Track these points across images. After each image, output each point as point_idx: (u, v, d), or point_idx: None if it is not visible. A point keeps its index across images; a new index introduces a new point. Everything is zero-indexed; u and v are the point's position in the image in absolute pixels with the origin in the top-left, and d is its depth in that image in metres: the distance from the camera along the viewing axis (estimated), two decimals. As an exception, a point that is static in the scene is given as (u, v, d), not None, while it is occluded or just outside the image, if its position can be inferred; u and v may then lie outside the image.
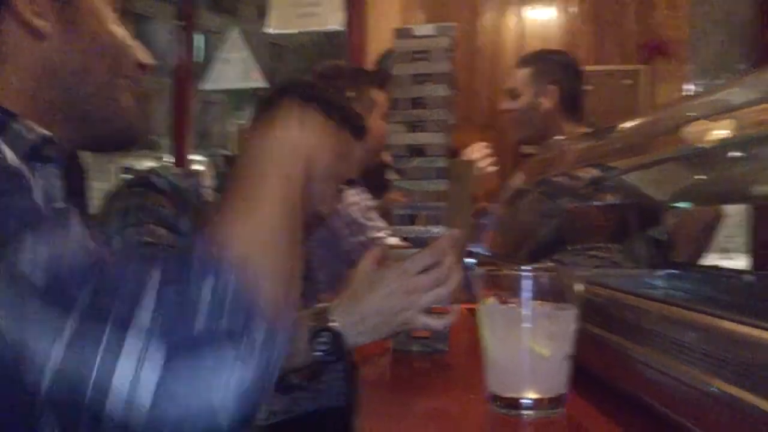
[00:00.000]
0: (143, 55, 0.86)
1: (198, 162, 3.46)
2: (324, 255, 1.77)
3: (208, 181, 1.20)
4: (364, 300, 0.91)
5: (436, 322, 0.94)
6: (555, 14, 3.41)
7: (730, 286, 1.01)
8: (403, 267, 0.91)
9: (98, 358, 0.46)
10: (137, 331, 0.47)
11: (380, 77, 1.92)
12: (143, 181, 1.11)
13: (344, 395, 1.76)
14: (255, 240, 0.57)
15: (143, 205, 1.08)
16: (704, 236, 1.96)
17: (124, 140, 0.81)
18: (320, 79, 1.90)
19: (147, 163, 1.46)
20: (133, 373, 0.46)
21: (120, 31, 0.78)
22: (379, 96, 1.86)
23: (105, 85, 0.75)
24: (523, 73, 2.16)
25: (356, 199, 1.72)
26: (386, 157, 1.92)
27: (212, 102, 4.55)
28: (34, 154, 0.67)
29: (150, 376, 0.46)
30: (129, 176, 1.16)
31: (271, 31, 3.23)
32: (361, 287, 0.92)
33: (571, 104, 2.14)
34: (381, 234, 1.70)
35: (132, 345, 0.47)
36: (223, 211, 0.60)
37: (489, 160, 2.00)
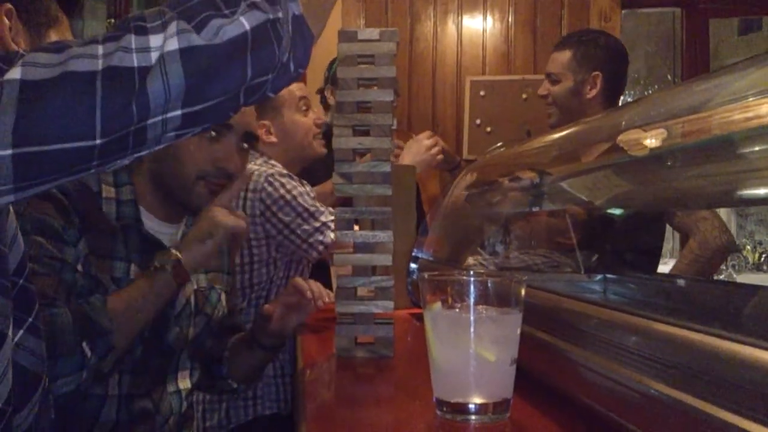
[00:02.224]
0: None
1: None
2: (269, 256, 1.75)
3: (109, 177, 1.16)
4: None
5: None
6: (492, 23, 3.48)
7: (664, 291, 1.04)
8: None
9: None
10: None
11: None
12: None
13: (279, 402, 1.74)
14: None
15: (26, 214, 1.01)
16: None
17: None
18: None
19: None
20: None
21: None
22: (285, 91, 1.84)
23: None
24: (564, 57, 1.99)
25: (303, 189, 1.72)
26: (318, 148, 1.92)
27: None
28: None
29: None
30: None
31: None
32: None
33: (615, 91, 1.99)
34: (332, 217, 1.69)
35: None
36: None
37: (438, 147, 2.00)
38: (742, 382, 0.47)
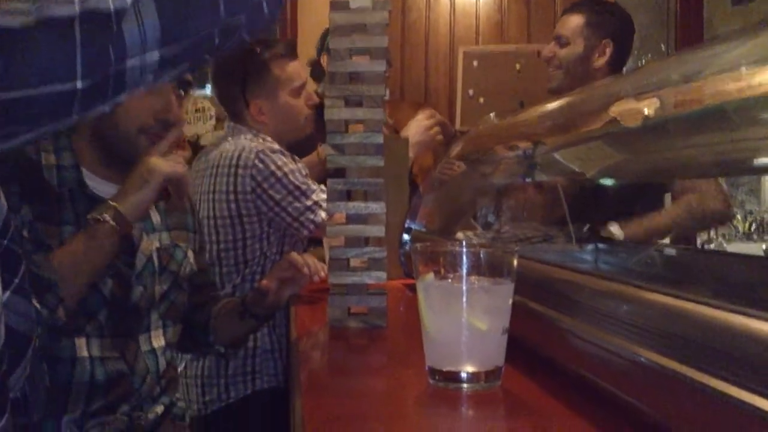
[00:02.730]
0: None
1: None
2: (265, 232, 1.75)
3: (48, 144, 1.16)
4: None
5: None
6: (486, -8, 3.44)
7: (655, 260, 1.05)
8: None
9: None
10: None
11: (287, 47, 1.85)
12: None
13: (276, 376, 1.76)
14: None
15: None
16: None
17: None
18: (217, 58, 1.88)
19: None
20: None
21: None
22: (283, 71, 1.81)
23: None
24: (577, 21, 1.94)
25: (295, 166, 1.71)
26: (307, 128, 1.91)
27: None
28: None
29: None
30: None
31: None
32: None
33: (620, 61, 1.96)
34: (324, 195, 1.69)
35: None
36: None
37: (437, 128, 1.99)
38: (732, 350, 0.47)
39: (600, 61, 1.93)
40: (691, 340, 0.52)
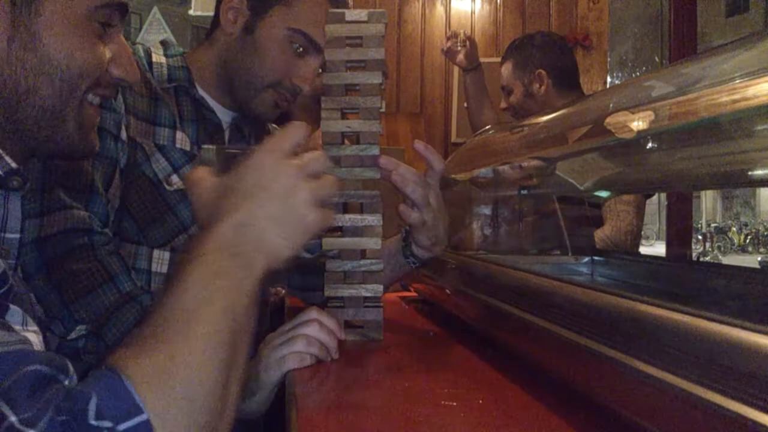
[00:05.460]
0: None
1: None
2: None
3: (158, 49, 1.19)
4: None
5: None
6: (480, 4, 3.46)
7: (651, 272, 1.05)
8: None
9: None
10: None
11: None
12: None
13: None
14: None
15: None
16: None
17: (66, 157, 0.78)
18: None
19: None
20: None
21: (84, 50, 0.70)
22: None
23: (51, 109, 0.67)
24: (508, 68, 2.15)
25: None
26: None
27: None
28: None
29: None
30: None
31: (194, 13, 3.13)
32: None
33: (566, 79, 2.10)
34: None
35: None
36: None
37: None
38: (726, 362, 0.47)
39: (542, 89, 2.07)
40: (685, 354, 0.52)
